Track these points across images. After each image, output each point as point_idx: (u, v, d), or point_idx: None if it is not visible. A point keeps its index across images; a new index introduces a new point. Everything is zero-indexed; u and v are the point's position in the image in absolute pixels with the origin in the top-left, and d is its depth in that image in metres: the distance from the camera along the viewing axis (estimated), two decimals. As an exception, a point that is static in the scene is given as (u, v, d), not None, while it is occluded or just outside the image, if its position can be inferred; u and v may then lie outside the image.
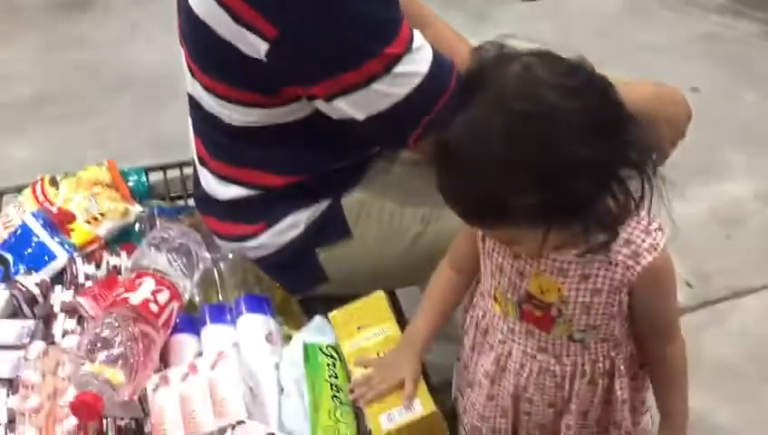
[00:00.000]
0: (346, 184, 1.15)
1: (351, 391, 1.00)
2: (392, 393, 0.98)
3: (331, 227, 1.13)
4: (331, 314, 1.11)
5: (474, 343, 1.02)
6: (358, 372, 1.03)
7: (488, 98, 0.77)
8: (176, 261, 1.10)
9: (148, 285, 1.04)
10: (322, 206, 1.14)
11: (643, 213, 0.86)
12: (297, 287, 1.20)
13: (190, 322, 1.10)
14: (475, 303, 1.03)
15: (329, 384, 1.03)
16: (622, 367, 0.95)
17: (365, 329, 1.07)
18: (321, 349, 1.07)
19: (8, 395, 1.02)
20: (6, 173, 1.83)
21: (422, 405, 0.97)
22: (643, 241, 0.86)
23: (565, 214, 0.78)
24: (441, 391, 1.04)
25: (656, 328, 0.94)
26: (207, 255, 1.18)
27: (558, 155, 0.75)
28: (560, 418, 0.98)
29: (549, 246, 0.81)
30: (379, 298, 1.10)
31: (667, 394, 0.98)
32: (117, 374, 0.93)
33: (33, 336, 1.11)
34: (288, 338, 1.13)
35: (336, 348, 1.08)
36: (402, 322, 1.09)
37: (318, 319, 1.13)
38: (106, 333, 0.95)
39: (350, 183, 1.15)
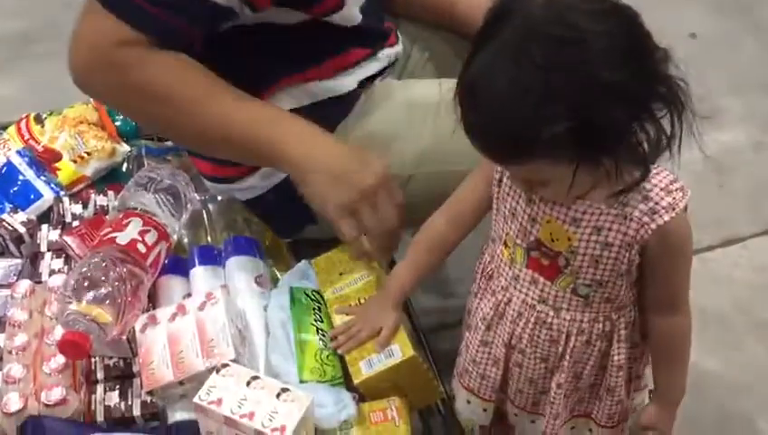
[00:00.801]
0: (335, 119, 1.12)
1: (332, 338, 1.00)
2: (371, 341, 0.98)
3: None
4: (313, 261, 1.11)
5: (477, 288, 1.02)
6: (338, 320, 1.03)
7: (516, 27, 0.75)
8: (164, 202, 1.08)
9: (135, 225, 1.03)
10: None
11: (665, 172, 0.84)
12: (285, 230, 1.20)
13: (179, 263, 1.09)
14: (484, 249, 1.01)
15: (315, 328, 1.03)
16: (623, 332, 0.93)
17: (347, 275, 1.07)
18: (306, 293, 1.07)
19: (-5, 333, 1.02)
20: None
21: (401, 350, 0.97)
22: (662, 199, 0.84)
23: (597, 144, 0.75)
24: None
25: (662, 295, 0.91)
26: (196, 196, 1.17)
27: (590, 81, 0.72)
28: (551, 375, 0.97)
29: (577, 186, 0.79)
30: None
31: (665, 367, 0.96)
32: (104, 314, 0.92)
33: (19, 275, 1.11)
34: (276, 281, 1.13)
35: (320, 293, 1.08)
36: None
37: (303, 264, 1.13)
38: (93, 272, 0.94)
39: (338, 118, 1.12)
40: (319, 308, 1.06)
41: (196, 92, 0.98)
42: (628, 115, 0.75)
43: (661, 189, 0.85)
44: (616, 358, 0.94)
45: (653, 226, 0.84)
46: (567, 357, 0.94)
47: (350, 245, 1.04)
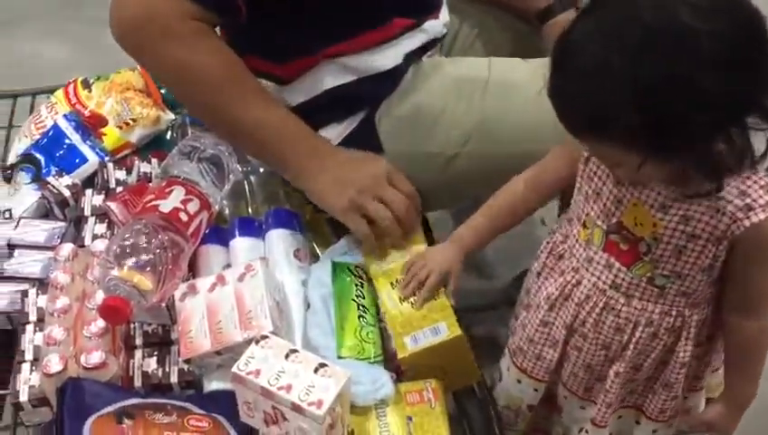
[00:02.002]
0: (380, 95, 1.11)
1: (404, 286, 0.99)
2: (419, 318, 0.96)
3: (363, 144, 1.10)
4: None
5: (542, 267, 1.00)
6: (385, 295, 1.01)
7: (621, 4, 0.74)
8: (206, 171, 1.08)
9: (178, 193, 1.03)
10: (355, 121, 1.11)
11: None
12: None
13: (219, 233, 1.09)
14: (556, 228, 1.00)
15: (356, 304, 1.02)
16: (693, 329, 0.91)
17: (393, 250, 1.05)
18: (349, 268, 1.06)
19: (38, 295, 1.03)
20: (42, 74, 1.81)
21: (448, 329, 0.96)
22: (760, 196, 0.81)
23: (664, 146, 0.73)
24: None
25: (746, 297, 0.88)
26: (238, 167, 1.16)
27: (678, 79, 0.69)
28: (610, 364, 0.95)
29: (646, 175, 0.78)
30: None
31: (739, 370, 0.94)
32: (145, 280, 0.93)
33: (63, 238, 1.12)
34: (316, 256, 1.12)
35: (363, 268, 1.07)
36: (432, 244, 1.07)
37: (347, 238, 1.12)
38: (135, 239, 0.94)
39: (383, 94, 1.11)
40: (361, 284, 1.04)
41: (222, 91, 1.01)
42: (712, 124, 0.72)
43: (761, 187, 0.81)
44: (681, 355, 0.92)
45: (747, 223, 0.81)
46: (631, 347, 0.92)
47: (363, 241, 1.05)
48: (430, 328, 0.96)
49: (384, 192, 1.01)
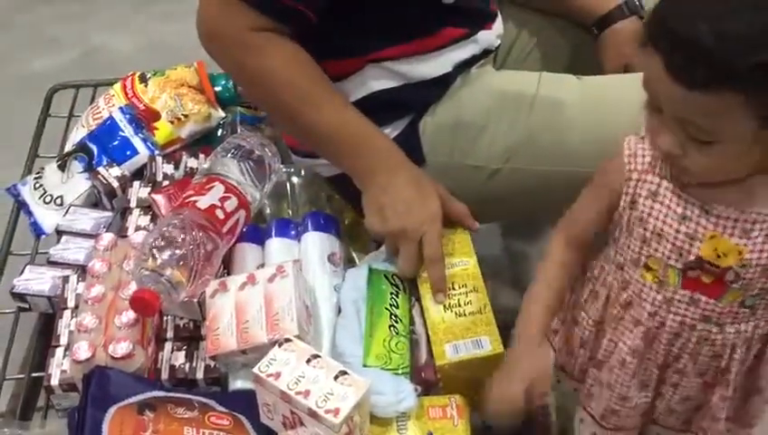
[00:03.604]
0: (425, 101, 1.10)
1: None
2: (462, 327, 0.95)
3: (405, 151, 1.09)
4: None
5: (601, 318, 0.94)
6: (428, 297, 1.00)
7: None
8: (248, 170, 1.08)
9: (217, 190, 1.03)
10: (400, 126, 1.10)
11: None
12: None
13: (257, 232, 1.10)
14: (596, 274, 0.94)
15: (388, 313, 1.01)
16: None
17: (444, 258, 1.03)
18: (386, 276, 1.05)
19: (78, 281, 1.05)
20: (108, 66, 1.87)
21: (491, 344, 0.94)
22: None
23: None
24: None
25: None
26: (282, 167, 1.17)
27: None
28: (709, 389, 0.91)
29: (751, 155, 0.73)
30: (463, 232, 1.06)
31: None
32: (177, 275, 0.93)
33: (109, 228, 1.14)
34: (352, 261, 1.11)
35: (402, 278, 1.05)
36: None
37: (389, 246, 1.11)
38: (170, 233, 0.95)
39: (429, 101, 1.10)
40: (396, 293, 1.03)
41: (299, 91, 1.02)
42: None
43: None
44: None
45: None
46: (733, 370, 0.89)
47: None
48: (472, 340, 0.95)
49: (402, 248, 1.01)
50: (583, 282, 0.97)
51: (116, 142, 1.27)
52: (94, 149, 1.26)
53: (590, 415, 1.00)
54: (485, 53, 1.15)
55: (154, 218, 1.14)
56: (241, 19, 0.98)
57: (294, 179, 1.18)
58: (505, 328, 0.96)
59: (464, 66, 1.12)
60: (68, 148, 1.32)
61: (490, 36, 1.15)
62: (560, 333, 1.02)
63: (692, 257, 0.83)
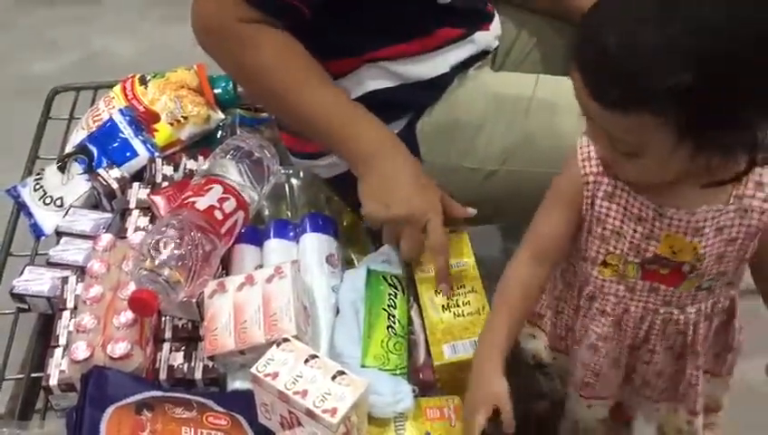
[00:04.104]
0: (422, 103, 1.10)
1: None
2: (461, 328, 0.96)
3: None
4: None
5: (578, 306, 0.96)
6: (427, 297, 1.01)
7: None
8: (247, 172, 1.09)
9: (215, 192, 1.04)
10: (397, 127, 1.10)
11: None
12: (363, 211, 1.18)
13: (255, 233, 1.10)
14: (567, 268, 0.97)
15: (386, 314, 1.01)
16: (738, 300, 0.93)
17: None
18: (385, 277, 1.05)
19: (77, 282, 1.06)
20: (109, 69, 1.88)
21: None
22: None
23: (716, 118, 0.67)
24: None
25: None
26: (281, 169, 1.17)
27: (748, 27, 0.65)
28: (677, 360, 0.95)
29: (669, 166, 0.73)
30: (461, 232, 1.07)
31: None
32: (175, 275, 0.94)
33: (108, 229, 1.15)
34: (350, 262, 1.12)
35: (400, 279, 1.06)
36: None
37: (387, 247, 1.11)
38: (169, 234, 0.96)
39: (426, 102, 1.10)
40: (395, 294, 1.04)
41: (293, 79, 1.02)
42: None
43: None
44: (737, 325, 0.94)
45: None
46: (698, 346, 0.93)
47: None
48: (471, 341, 0.95)
49: (404, 234, 1.01)
50: (559, 275, 0.99)
51: (116, 144, 1.27)
52: (94, 150, 1.27)
53: (571, 385, 1.03)
54: (483, 54, 1.15)
55: (153, 220, 1.15)
56: (234, 11, 0.98)
57: (293, 181, 1.18)
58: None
59: (461, 67, 1.12)
60: (68, 149, 1.32)
61: (488, 37, 1.15)
62: (547, 316, 1.04)
63: (649, 254, 0.86)
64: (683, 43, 0.65)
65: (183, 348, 0.99)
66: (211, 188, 1.04)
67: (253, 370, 0.86)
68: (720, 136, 0.70)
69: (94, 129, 1.31)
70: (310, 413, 0.83)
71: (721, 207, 0.82)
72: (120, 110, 1.31)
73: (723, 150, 0.72)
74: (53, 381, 0.95)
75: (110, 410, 0.86)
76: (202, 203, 1.01)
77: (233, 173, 1.08)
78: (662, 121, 0.68)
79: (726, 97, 0.66)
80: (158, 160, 1.25)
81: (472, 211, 1.03)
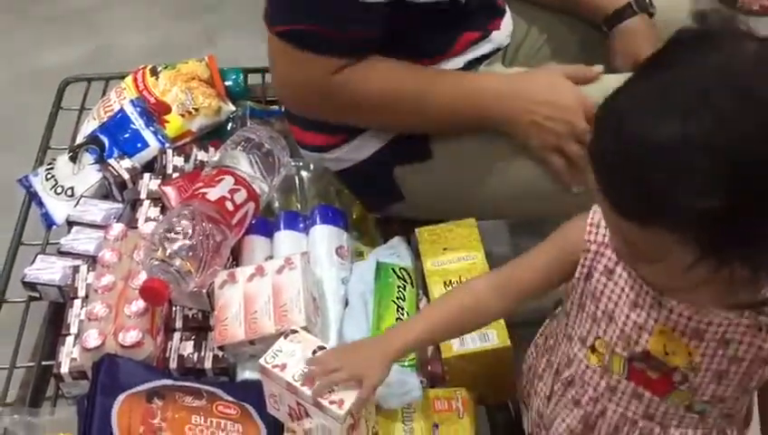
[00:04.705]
0: None
1: (310, 363, 0.85)
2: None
3: (413, 146, 1.10)
4: (417, 230, 1.09)
5: (551, 391, 0.87)
6: (437, 291, 1.00)
7: (709, 67, 0.60)
8: (257, 163, 1.09)
9: (226, 183, 1.04)
10: None
11: None
12: (373, 203, 1.19)
13: (265, 224, 1.10)
14: (553, 344, 0.88)
15: (395, 306, 1.02)
16: None
17: (451, 251, 1.05)
18: (394, 269, 1.06)
19: (88, 271, 1.06)
20: (120, 61, 1.88)
21: (498, 337, 0.95)
22: None
23: (749, 231, 0.60)
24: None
25: None
26: (291, 161, 1.17)
27: None
28: None
29: (687, 279, 0.64)
30: (469, 225, 1.07)
31: None
32: (186, 265, 0.94)
33: (119, 219, 1.15)
34: (360, 254, 1.12)
35: (409, 271, 1.06)
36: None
37: (396, 240, 1.12)
38: (180, 224, 0.96)
39: None
40: (404, 287, 1.04)
41: (412, 93, 1.04)
42: None
43: None
44: None
45: None
46: None
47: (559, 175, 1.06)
48: (479, 334, 0.95)
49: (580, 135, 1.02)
50: (543, 351, 0.91)
51: (127, 135, 1.28)
52: (105, 141, 1.27)
53: None
54: (495, 50, 1.16)
55: (164, 210, 1.15)
56: (326, 71, 1.00)
57: (303, 173, 1.18)
58: (511, 324, 0.96)
59: (473, 63, 1.12)
60: (79, 140, 1.33)
61: (502, 35, 1.16)
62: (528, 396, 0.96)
63: (639, 349, 0.76)
64: (719, 151, 0.58)
65: (193, 338, 1.00)
66: (222, 180, 1.04)
67: (261, 361, 0.87)
68: (747, 255, 0.62)
69: (105, 119, 1.31)
70: (318, 405, 0.84)
71: (730, 316, 0.71)
72: (132, 101, 1.32)
73: (750, 267, 0.63)
74: (65, 369, 0.96)
75: (121, 397, 0.87)
76: (213, 194, 1.02)
77: (243, 164, 1.08)
78: (681, 238, 0.61)
79: (757, 216, 0.60)
80: (169, 151, 1.25)
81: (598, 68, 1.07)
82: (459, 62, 1.11)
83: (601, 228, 0.77)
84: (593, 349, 0.80)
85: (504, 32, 1.16)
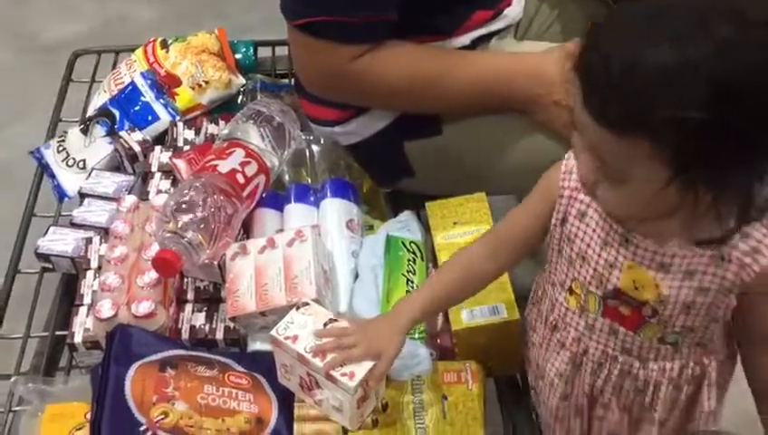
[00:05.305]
0: None
1: (319, 336, 0.87)
2: (484, 295, 0.92)
3: (422, 122, 1.10)
4: (427, 204, 1.09)
5: (542, 339, 0.90)
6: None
7: None
8: (268, 136, 1.09)
9: (237, 155, 1.05)
10: None
11: None
12: (383, 178, 1.19)
13: (276, 198, 1.11)
14: (541, 295, 0.90)
15: (405, 279, 1.02)
16: (713, 375, 0.84)
17: (461, 225, 1.05)
18: (404, 243, 1.06)
19: (101, 243, 1.07)
20: (130, 34, 1.88)
21: (507, 311, 0.95)
22: (765, 236, 0.73)
23: (725, 152, 0.62)
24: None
25: (763, 332, 0.80)
26: (302, 135, 1.18)
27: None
28: (636, 426, 0.87)
29: (655, 204, 0.68)
30: (479, 199, 1.08)
31: None
32: (197, 237, 0.95)
33: (130, 191, 1.16)
34: (370, 228, 1.12)
35: (419, 245, 1.06)
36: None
37: (406, 214, 1.12)
38: (191, 196, 0.97)
39: None
40: (414, 260, 1.04)
41: (432, 75, 1.04)
42: None
43: (763, 225, 0.73)
44: (706, 404, 0.85)
45: (756, 267, 0.73)
46: (657, 408, 0.85)
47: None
48: (489, 307, 0.96)
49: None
50: (534, 303, 0.94)
51: (137, 108, 1.28)
52: (116, 113, 1.27)
53: (539, 418, 0.98)
54: (508, 26, 1.15)
55: (175, 183, 1.16)
56: (346, 57, 1.00)
57: (314, 147, 1.18)
58: (522, 297, 0.96)
59: (484, 38, 1.12)
60: (90, 112, 1.33)
61: (514, 11, 1.15)
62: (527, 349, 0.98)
63: (611, 287, 0.79)
64: (706, 65, 0.60)
65: (205, 309, 1.01)
66: (233, 152, 1.05)
67: (273, 332, 0.88)
68: (712, 178, 0.65)
69: (116, 92, 1.32)
70: (329, 376, 0.84)
71: (694, 248, 0.74)
72: (142, 73, 1.32)
73: (713, 194, 0.66)
74: (78, 339, 0.97)
75: (134, 366, 0.88)
76: (224, 166, 1.02)
77: (254, 137, 1.08)
78: (658, 150, 0.63)
79: (737, 137, 0.62)
80: (180, 124, 1.26)
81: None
82: (468, 38, 1.10)
83: (574, 174, 0.80)
84: (571, 291, 0.84)
85: (516, 7, 1.15)
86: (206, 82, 1.30)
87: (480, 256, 0.88)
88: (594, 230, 0.79)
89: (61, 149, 1.26)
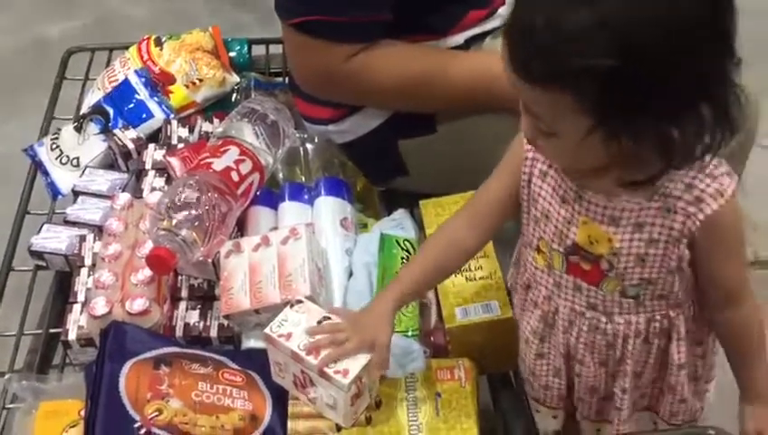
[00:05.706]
0: None
1: (312, 334, 0.88)
2: (478, 293, 0.95)
3: (417, 121, 1.10)
4: (421, 202, 1.10)
5: (518, 300, 0.94)
6: None
7: None
8: (262, 134, 1.10)
9: (232, 153, 1.05)
10: None
11: (708, 156, 0.74)
12: (377, 176, 1.19)
13: (270, 196, 1.11)
14: (518, 257, 0.93)
15: (399, 277, 1.02)
16: (682, 329, 0.85)
17: None
18: (398, 241, 1.06)
19: (94, 241, 1.07)
20: (124, 31, 1.88)
21: (500, 308, 0.96)
22: (708, 186, 0.76)
23: (630, 107, 0.67)
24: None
25: (718, 289, 0.83)
26: (296, 133, 1.18)
27: (670, 27, 0.65)
28: (612, 380, 0.90)
29: (582, 154, 0.72)
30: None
31: (742, 364, 0.88)
32: (191, 234, 0.95)
33: (124, 189, 1.16)
34: (364, 226, 1.13)
35: (413, 243, 1.07)
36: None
37: (400, 212, 1.13)
38: (186, 194, 0.97)
39: None
40: (407, 258, 1.05)
41: (422, 75, 1.05)
42: (689, 89, 0.67)
43: (706, 175, 0.76)
44: (676, 356, 0.87)
45: (701, 216, 0.76)
46: (628, 361, 0.87)
47: None
48: (482, 304, 0.97)
49: None
50: (514, 267, 0.96)
51: (131, 105, 1.28)
52: (110, 111, 1.27)
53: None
54: (503, 25, 1.15)
55: (169, 181, 1.16)
56: (341, 56, 1.00)
57: (308, 145, 1.19)
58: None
59: (478, 38, 1.12)
60: (83, 110, 1.33)
61: (508, 10, 1.15)
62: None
63: (570, 242, 0.82)
64: (614, 20, 0.64)
65: (199, 307, 1.01)
66: (227, 150, 1.05)
67: (266, 330, 0.88)
68: (634, 124, 0.68)
69: (110, 90, 1.32)
70: (322, 374, 0.85)
71: (642, 201, 0.77)
72: (136, 71, 1.32)
73: (634, 140, 0.69)
74: (72, 336, 0.97)
75: (128, 363, 0.88)
76: (218, 164, 1.02)
77: (248, 135, 1.08)
78: (578, 102, 0.67)
79: (647, 83, 0.66)
80: (174, 122, 1.26)
81: None
82: (462, 37, 1.11)
83: None
84: (538, 250, 0.87)
85: (510, 6, 1.16)
86: (201, 80, 1.30)
87: (460, 227, 0.90)
88: (554, 188, 0.82)
89: (54, 146, 1.26)
